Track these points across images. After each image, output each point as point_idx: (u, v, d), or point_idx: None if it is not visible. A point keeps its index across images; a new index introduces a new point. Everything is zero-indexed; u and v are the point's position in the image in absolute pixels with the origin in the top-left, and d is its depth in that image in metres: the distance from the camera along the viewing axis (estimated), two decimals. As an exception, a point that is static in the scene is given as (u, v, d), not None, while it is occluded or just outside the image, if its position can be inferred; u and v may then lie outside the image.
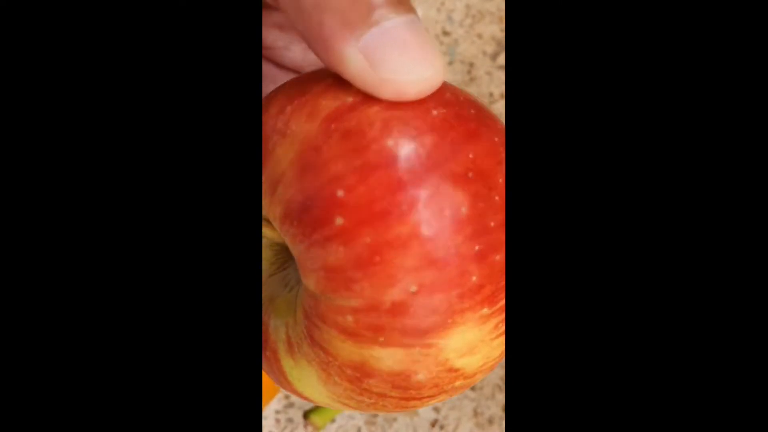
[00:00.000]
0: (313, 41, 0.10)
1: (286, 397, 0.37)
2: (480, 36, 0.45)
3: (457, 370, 0.15)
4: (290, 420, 0.37)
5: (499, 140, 0.15)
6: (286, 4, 0.11)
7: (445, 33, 0.44)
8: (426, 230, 0.13)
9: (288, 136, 0.13)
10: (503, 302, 0.16)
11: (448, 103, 0.13)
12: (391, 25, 0.10)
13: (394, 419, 0.40)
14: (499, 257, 0.15)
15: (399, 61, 0.10)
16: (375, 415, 0.39)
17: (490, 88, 0.45)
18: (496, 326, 0.16)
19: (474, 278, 0.14)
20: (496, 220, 0.14)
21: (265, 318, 0.17)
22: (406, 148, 0.12)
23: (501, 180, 0.14)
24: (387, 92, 0.10)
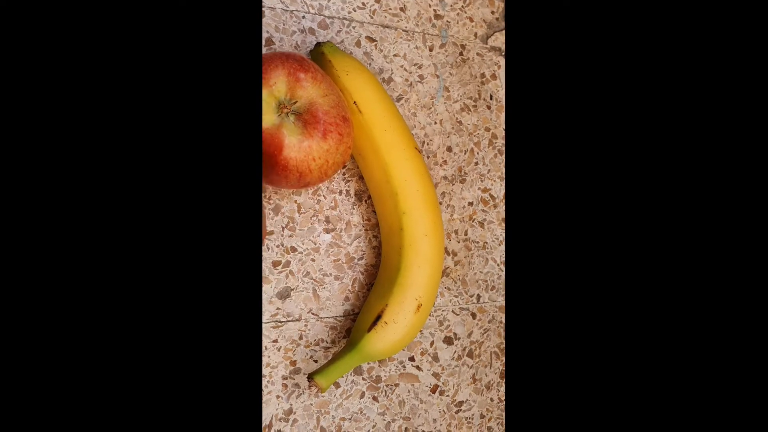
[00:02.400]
0: None
1: (293, 363, 0.39)
2: (471, 18, 0.47)
3: None
4: (297, 385, 0.39)
5: None
6: None
7: (438, 16, 0.46)
8: None
9: None
10: None
11: None
12: None
13: (396, 385, 0.42)
14: None
15: None
16: (377, 381, 0.41)
17: (482, 69, 0.47)
18: None
19: None
20: None
21: None
22: None
23: None
24: None
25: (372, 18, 0.44)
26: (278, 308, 0.39)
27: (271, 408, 0.38)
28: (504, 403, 0.45)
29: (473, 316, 0.45)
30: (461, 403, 0.44)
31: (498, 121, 0.47)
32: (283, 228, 0.40)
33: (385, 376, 0.42)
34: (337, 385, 0.40)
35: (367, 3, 0.44)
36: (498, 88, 0.47)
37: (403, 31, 0.45)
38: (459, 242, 0.45)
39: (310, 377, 0.35)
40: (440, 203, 0.45)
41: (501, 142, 0.48)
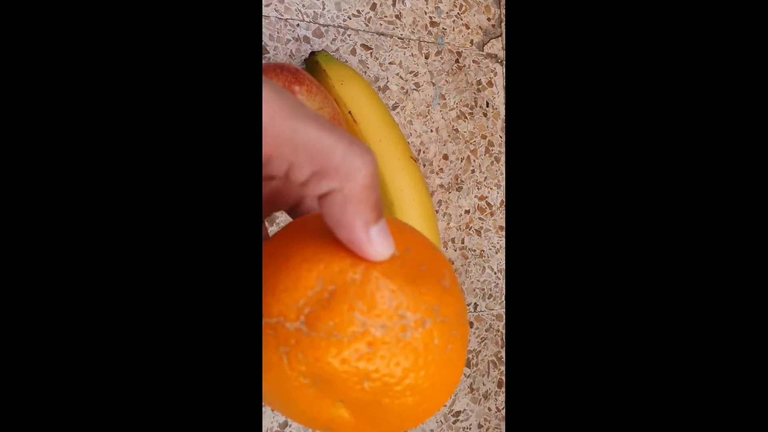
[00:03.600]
0: (345, 232, 0.20)
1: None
2: (467, 26, 0.47)
3: None
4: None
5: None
6: (331, 213, 0.20)
7: (433, 23, 0.46)
8: None
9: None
10: None
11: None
12: (380, 225, 0.20)
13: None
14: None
15: (383, 244, 0.20)
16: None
17: (478, 77, 0.47)
18: None
19: None
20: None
21: None
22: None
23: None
24: (375, 258, 0.20)
25: (367, 26, 0.43)
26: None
27: (266, 421, 0.38)
28: (501, 412, 0.45)
29: (470, 325, 0.45)
30: (458, 413, 0.44)
31: (494, 128, 0.47)
32: (278, 239, 0.39)
33: (381, 386, 0.42)
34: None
35: (363, 11, 0.43)
36: (494, 95, 0.47)
37: (398, 38, 0.44)
38: (456, 251, 0.45)
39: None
40: (437, 212, 0.44)
41: (497, 149, 0.47)
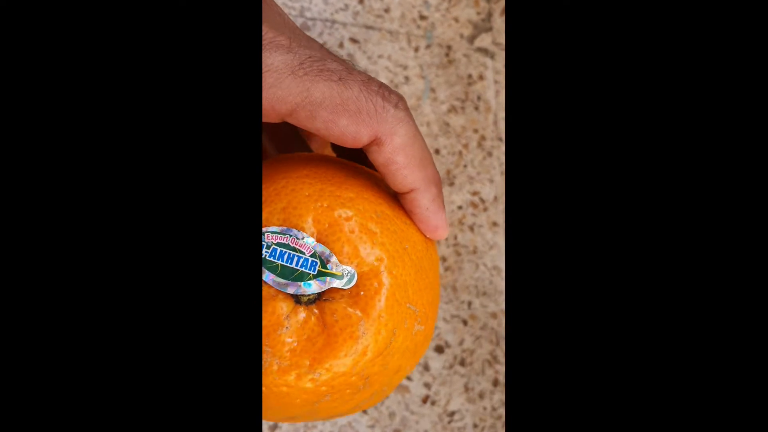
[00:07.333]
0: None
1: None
2: (456, 19, 0.46)
3: None
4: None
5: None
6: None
7: (422, 17, 0.45)
8: None
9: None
10: None
11: None
12: None
13: (386, 396, 0.40)
14: None
15: None
16: (366, 392, 0.40)
17: (469, 70, 0.46)
18: None
19: None
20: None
21: None
22: None
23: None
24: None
25: (355, 19, 0.43)
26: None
27: (255, 422, 0.37)
28: (497, 411, 0.44)
29: (464, 323, 0.44)
30: (453, 413, 0.43)
31: (486, 122, 0.46)
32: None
33: (374, 386, 0.40)
34: (324, 398, 0.39)
35: (350, 4, 0.43)
36: (485, 88, 0.47)
37: (387, 32, 0.44)
38: (449, 247, 0.44)
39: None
40: (428, 207, 0.44)
41: (490, 143, 0.47)
